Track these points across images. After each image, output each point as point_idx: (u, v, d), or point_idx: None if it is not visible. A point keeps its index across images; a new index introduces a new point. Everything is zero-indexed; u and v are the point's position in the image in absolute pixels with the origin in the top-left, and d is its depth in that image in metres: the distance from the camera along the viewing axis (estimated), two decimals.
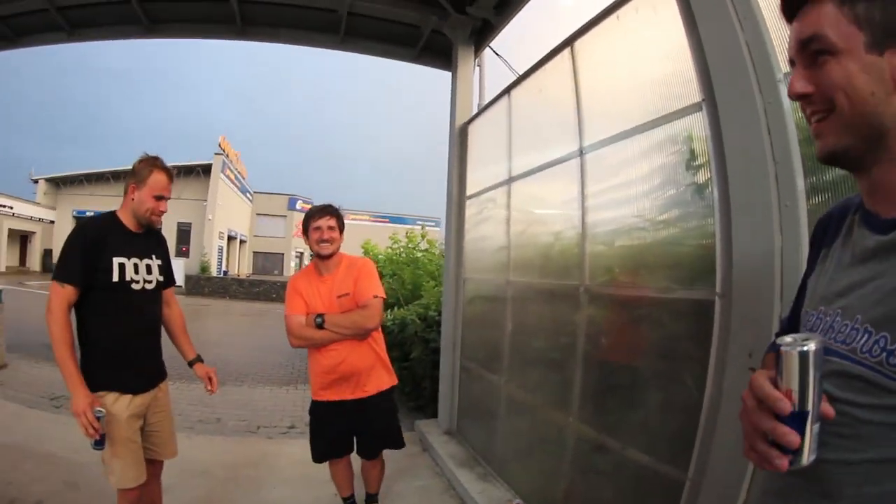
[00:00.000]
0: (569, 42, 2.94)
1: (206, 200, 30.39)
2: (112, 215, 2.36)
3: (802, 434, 0.68)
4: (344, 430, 2.83)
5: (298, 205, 41.58)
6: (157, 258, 2.43)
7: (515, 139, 3.75)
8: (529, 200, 3.58)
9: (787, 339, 0.71)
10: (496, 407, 3.68)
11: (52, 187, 32.30)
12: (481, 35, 4.77)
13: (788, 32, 0.83)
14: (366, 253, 8.76)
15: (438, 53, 5.18)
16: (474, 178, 4.48)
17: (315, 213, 2.80)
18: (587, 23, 2.77)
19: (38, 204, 30.73)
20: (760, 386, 0.73)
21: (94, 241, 2.21)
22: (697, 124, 2.03)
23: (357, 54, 5.45)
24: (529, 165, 3.43)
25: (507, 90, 3.81)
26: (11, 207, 27.84)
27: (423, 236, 8.55)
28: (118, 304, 2.24)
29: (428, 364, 5.15)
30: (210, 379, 2.56)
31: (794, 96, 0.81)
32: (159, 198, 2.34)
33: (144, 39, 5.22)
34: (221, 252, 32.47)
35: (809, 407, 0.68)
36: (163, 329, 2.54)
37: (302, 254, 41.40)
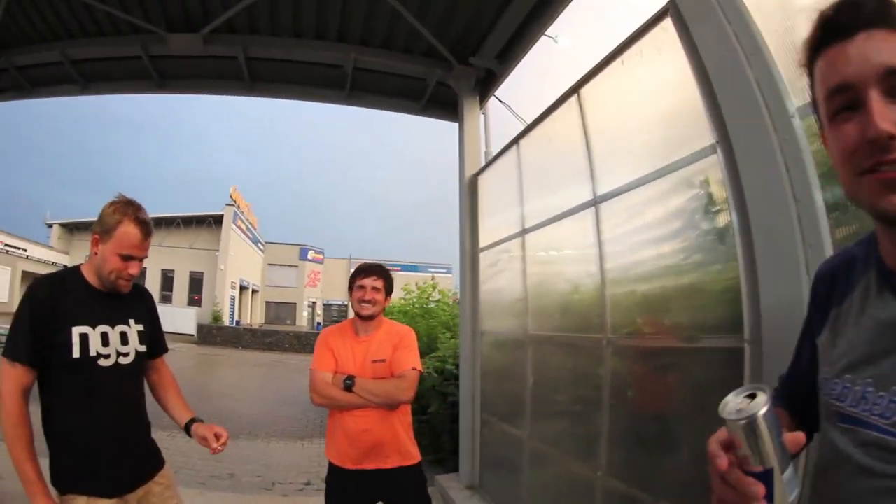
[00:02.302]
0: (575, 89, 2.95)
1: (217, 250, 30.69)
2: (74, 272, 1.87)
3: (771, 485, 0.67)
4: (366, 500, 2.60)
5: (310, 255, 42.11)
6: (136, 322, 1.91)
7: (527, 190, 3.73)
8: (545, 251, 3.53)
9: (730, 405, 0.71)
10: (520, 461, 3.55)
11: (65, 232, 32.78)
12: (486, 85, 4.85)
13: (825, 61, 0.71)
14: None
15: (444, 105, 5.26)
16: (487, 229, 4.44)
17: (362, 272, 2.67)
18: (592, 69, 2.77)
19: (51, 248, 31.02)
20: (719, 458, 0.70)
21: (46, 305, 1.73)
22: (713, 166, 1.99)
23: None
24: (543, 216, 3.39)
25: (516, 140, 3.82)
26: (25, 250, 28.05)
27: (433, 287, 8.44)
28: (83, 386, 1.74)
29: (447, 418, 5.03)
30: (217, 436, 1.93)
31: (886, 137, 0.64)
32: (128, 258, 1.79)
33: (156, 95, 5.41)
34: (233, 302, 32.53)
35: (773, 463, 0.67)
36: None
37: (314, 303, 41.46)
